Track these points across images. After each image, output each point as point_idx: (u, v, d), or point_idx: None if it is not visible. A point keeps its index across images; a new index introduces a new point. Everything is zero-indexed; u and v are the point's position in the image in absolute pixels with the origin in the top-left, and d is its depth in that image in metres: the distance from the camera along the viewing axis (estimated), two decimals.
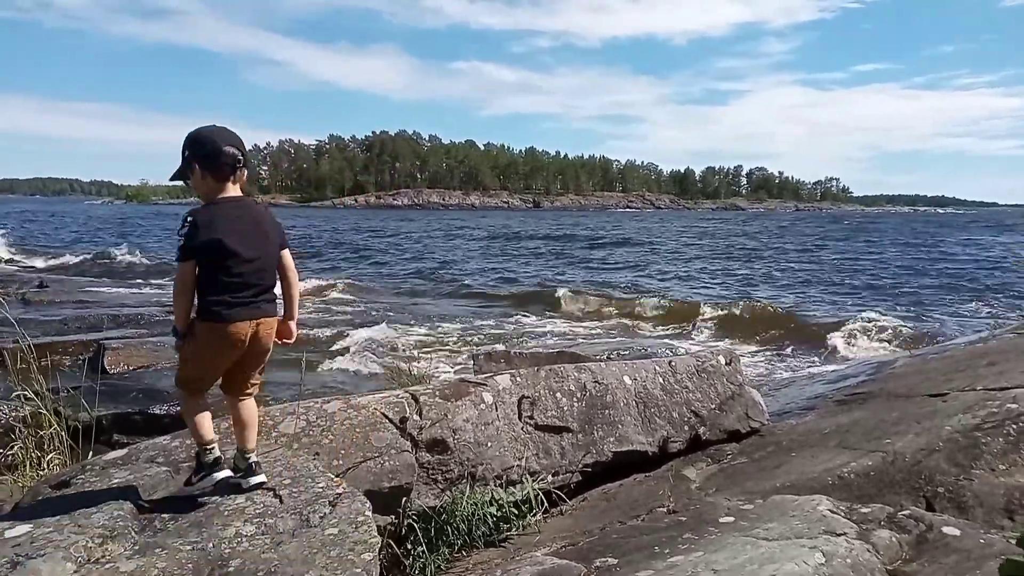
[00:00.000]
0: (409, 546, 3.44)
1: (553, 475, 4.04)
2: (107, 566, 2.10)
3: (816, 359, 11.41)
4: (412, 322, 14.69)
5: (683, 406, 4.79)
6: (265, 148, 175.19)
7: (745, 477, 4.40)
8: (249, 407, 2.78)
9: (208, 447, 2.69)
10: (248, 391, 2.77)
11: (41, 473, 3.99)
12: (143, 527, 2.35)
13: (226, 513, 2.41)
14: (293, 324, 2.83)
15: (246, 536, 2.26)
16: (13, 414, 5.03)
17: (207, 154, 2.62)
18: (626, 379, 4.57)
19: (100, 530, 2.27)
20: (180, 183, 2.80)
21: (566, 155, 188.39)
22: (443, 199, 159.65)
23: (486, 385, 3.97)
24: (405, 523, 3.47)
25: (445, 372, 9.69)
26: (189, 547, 2.20)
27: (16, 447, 4.08)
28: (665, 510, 3.87)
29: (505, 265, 29.09)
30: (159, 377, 9.43)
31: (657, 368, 4.83)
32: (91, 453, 3.98)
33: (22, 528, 2.33)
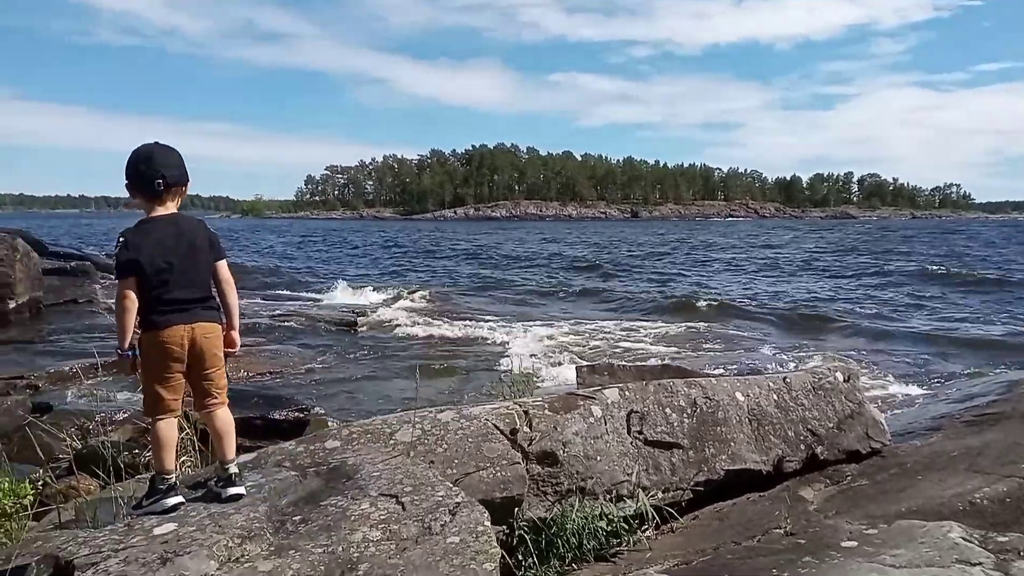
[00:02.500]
0: (520, 557, 3.47)
1: (663, 492, 3.99)
2: (246, 565, 2.23)
3: (940, 376, 10.77)
4: (533, 327, 14.85)
5: (799, 424, 4.63)
6: (371, 164, 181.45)
7: (867, 500, 4.21)
8: (220, 417, 2.86)
9: (166, 475, 2.78)
10: (213, 400, 2.85)
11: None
12: (276, 529, 2.48)
13: (352, 518, 2.51)
14: (235, 333, 2.94)
15: (372, 541, 2.35)
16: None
17: (132, 175, 2.78)
18: (738, 395, 4.46)
19: (239, 531, 2.41)
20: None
21: (665, 164, 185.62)
22: (540, 210, 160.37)
23: (595, 399, 3.97)
24: (516, 534, 3.51)
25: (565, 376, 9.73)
26: (320, 550, 2.31)
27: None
28: (782, 532, 3.76)
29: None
30: (277, 383, 9.91)
31: (771, 384, 4.69)
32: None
33: (169, 526, 2.50)
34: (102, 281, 18.65)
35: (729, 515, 4.14)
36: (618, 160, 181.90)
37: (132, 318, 2.66)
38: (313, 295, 21.40)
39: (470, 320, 16.68)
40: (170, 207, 2.79)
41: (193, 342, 2.72)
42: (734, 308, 18.43)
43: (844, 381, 5.06)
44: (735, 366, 10.52)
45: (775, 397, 4.66)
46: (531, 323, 16.48)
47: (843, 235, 69.55)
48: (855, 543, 3.34)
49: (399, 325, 15.89)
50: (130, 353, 2.71)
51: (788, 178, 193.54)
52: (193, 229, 2.82)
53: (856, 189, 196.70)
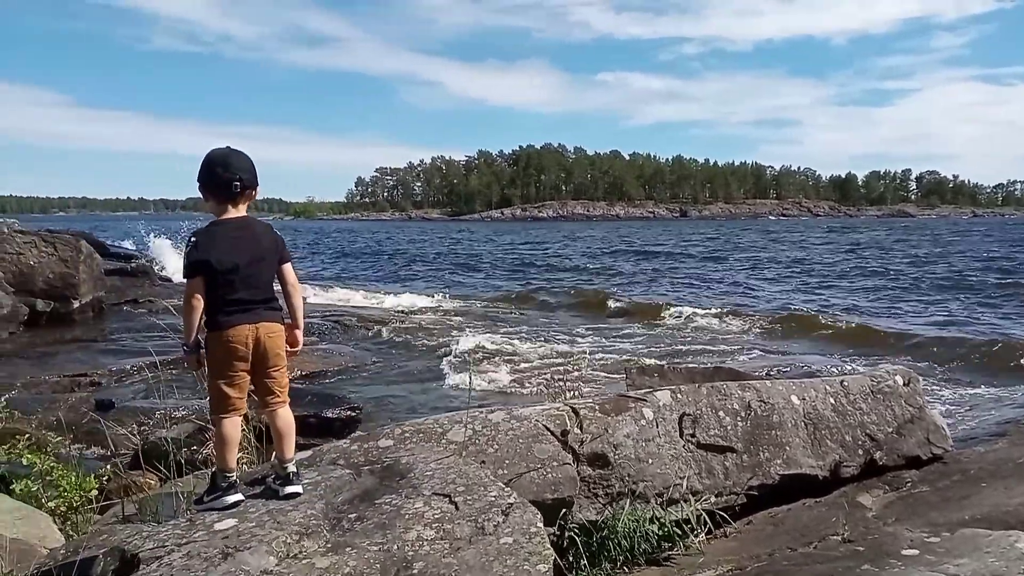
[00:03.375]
0: (571, 558, 3.47)
1: (716, 496, 3.94)
2: (304, 561, 2.28)
3: (1002, 381, 10.39)
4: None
5: (856, 429, 4.53)
6: (419, 165, 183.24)
7: (928, 507, 4.09)
8: (281, 416, 2.91)
9: (227, 473, 2.84)
10: (276, 399, 2.89)
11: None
12: (333, 526, 2.53)
13: (407, 517, 2.54)
14: (299, 333, 3.00)
15: (427, 540, 2.38)
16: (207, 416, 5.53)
17: (208, 178, 2.84)
18: (794, 399, 4.38)
19: (297, 527, 2.46)
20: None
21: (715, 162, 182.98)
22: (587, 210, 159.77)
23: (646, 401, 3.94)
24: (567, 535, 3.51)
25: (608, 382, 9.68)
26: (376, 547, 2.34)
27: (211, 445, 4.49)
28: (840, 538, 3.68)
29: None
30: (329, 382, 10.07)
31: (827, 388, 4.60)
32: (273, 455, 4.32)
33: (229, 522, 2.57)
34: (160, 282, 19.23)
35: (784, 520, 4.07)
36: (667, 159, 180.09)
37: (198, 317, 2.74)
38: (363, 295, 21.67)
39: (515, 326, 16.70)
40: (240, 210, 2.86)
41: (257, 341, 2.78)
42: (773, 310, 18.10)
43: (904, 385, 4.93)
44: (788, 369, 10.32)
45: (832, 401, 4.57)
46: (582, 328, 16.44)
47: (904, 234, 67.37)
48: (916, 551, 3.25)
49: (447, 327, 15.99)
50: (194, 350, 2.78)
51: (843, 176, 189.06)
52: (261, 232, 2.89)
53: (914, 187, 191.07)
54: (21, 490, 4.05)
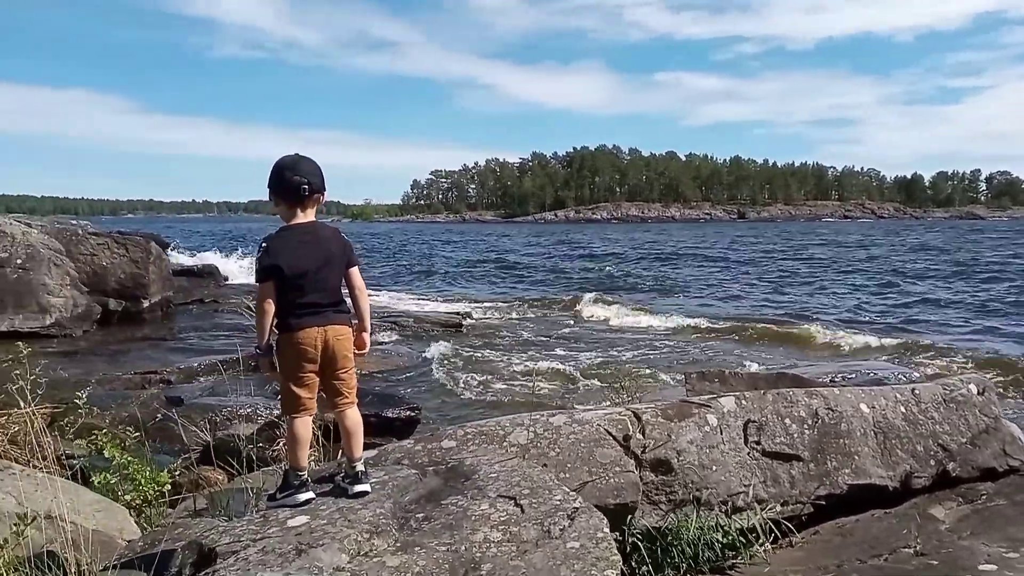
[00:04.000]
0: (634, 564, 3.45)
1: (782, 505, 3.87)
2: (375, 559, 2.33)
3: None
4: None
5: (928, 439, 4.39)
6: (473, 168, 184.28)
7: (1006, 521, 3.95)
8: (350, 416, 2.98)
9: (299, 471, 2.91)
10: (344, 400, 2.97)
11: None
12: (401, 525, 2.57)
13: (473, 518, 2.57)
14: (366, 335, 3.06)
15: (494, 542, 2.40)
16: (276, 412, 5.70)
17: (277, 184, 2.90)
18: (863, 407, 4.27)
19: (367, 526, 2.51)
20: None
21: (774, 163, 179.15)
22: (642, 212, 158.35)
23: (710, 407, 3.89)
24: (629, 541, 3.49)
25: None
26: (444, 548, 2.38)
27: (281, 443, 4.61)
28: (911, 551, 3.58)
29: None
30: (388, 382, 10.22)
31: (898, 396, 4.47)
32: (339, 452, 4.42)
33: (301, 519, 2.64)
34: (225, 282, 19.79)
35: (853, 531, 3.98)
36: (724, 160, 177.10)
37: (270, 320, 2.82)
38: (419, 296, 21.92)
39: (573, 326, 16.66)
40: (309, 214, 2.94)
41: (326, 344, 2.85)
42: (830, 315, 17.66)
43: (978, 394, 4.76)
44: (854, 375, 10.05)
45: (903, 409, 4.44)
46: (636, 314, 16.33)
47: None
48: (994, 567, 3.15)
49: (505, 328, 16.06)
50: (266, 352, 2.86)
51: (909, 176, 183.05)
52: (329, 237, 2.96)
53: (984, 188, 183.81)
54: (100, 483, 4.22)
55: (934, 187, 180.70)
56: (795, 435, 4.00)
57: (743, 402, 3.97)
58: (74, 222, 17.72)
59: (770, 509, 3.83)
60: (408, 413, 7.48)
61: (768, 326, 15.80)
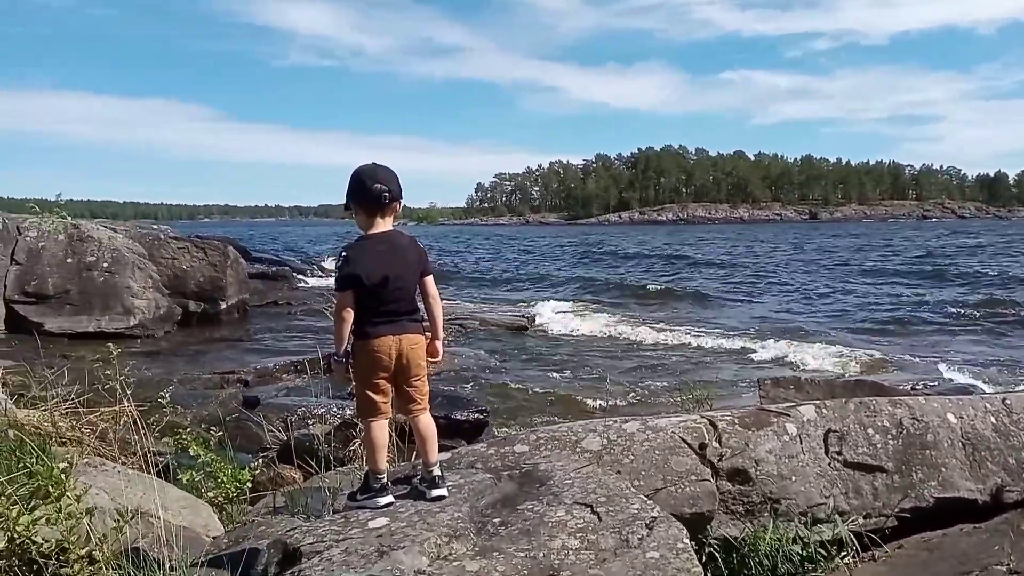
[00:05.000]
0: (710, 575, 3.40)
1: (864, 517, 3.75)
2: (454, 563, 2.35)
3: None
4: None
5: (1021, 451, 4.18)
6: (537, 170, 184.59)
7: None
8: (423, 422, 3.02)
9: (379, 474, 2.95)
10: (417, 406, 3.00)
11: None
12: (479, 530, 2.60)
13: (550, 525, 2.57)
14: (438, 343, 3.08)
15: (572, 549, 2.40)
16: (349, 413, 5.84)
17: (357, 192, 2.92)
18: (950, 417, 4.10)
19: (446, 529, 2.54)
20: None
21: (848, 161, 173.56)
22: (709, 213, 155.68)
23: (789, 415, 3.80)
24: (705, 551, 3.43)
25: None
26: (522, 554, 2.39)
27: (356, 443, 4.71)
28: (1004, 568, 3.41)
29: None
30: (456, 384, 10.32)
31: (987, 406, 4.27)
32: (414, 455, 4.48)
33: (381, 520, 2.69)
34: (299, 285, 20.34)
35: (940, 546, 3.82)
36: (795, 159, 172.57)
37: (348, 328, 2.87)
38: (484, 298, 22.08)
39: (644, 328, 16.50)
40: (388, 222, 2.98)
41: (400, 352, 2.90)
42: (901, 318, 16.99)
43: None
44: (936, 383, 9.68)
45: (992, 420, 4.24)
46: (711, 326, 16.07)
47: None
48: None
49: (571, 332, 16.03)
50: (344, 359, 2.92)
51: (991, 174, 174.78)
52: (406, 245, 3.01)
53: None
54: (187, 480, 4.38)
55: (1019, 185, 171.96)
56: (878, 445, 3.87)
57: (823, 411, 3.87)
58: (155, 226, 18.46)
59: (852, 521, 3.72)
60: (476, 416, 7.53)
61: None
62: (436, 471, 2.98)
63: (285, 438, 6.60)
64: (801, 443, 3.70)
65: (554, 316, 18.20)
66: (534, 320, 17.37)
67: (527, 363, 12.46)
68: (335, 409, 7.74)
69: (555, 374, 11.61)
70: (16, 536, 2.68)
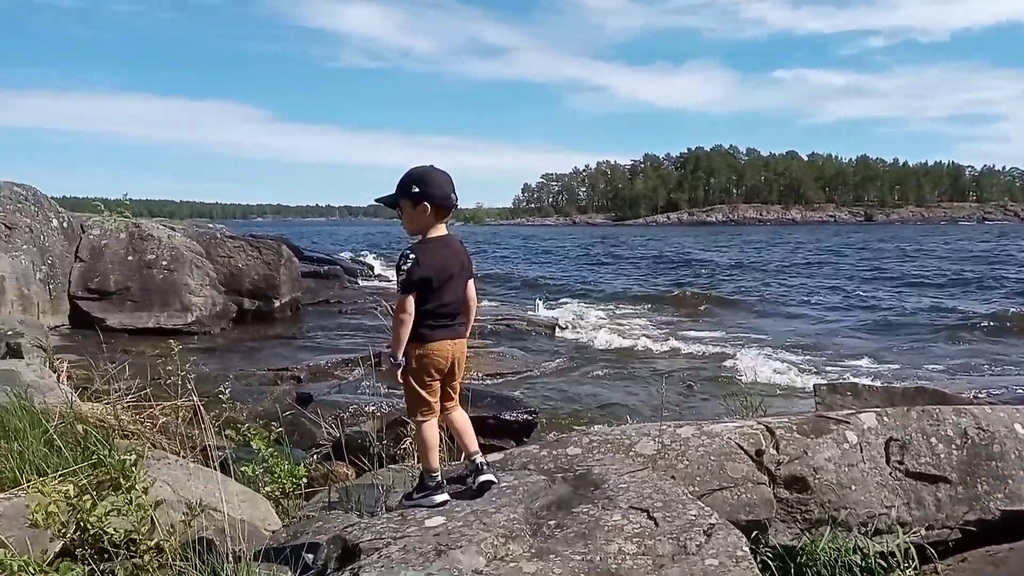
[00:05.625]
0: None
1: (926, 529, 3.65)
2: (511, 564, 2.37)
3: None
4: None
5: None
6: (584, 171, 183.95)
7: None
8: (459, 416, 3.11)
9: (433, 473, 2.98)
10: (452, 403, 3.07)
11: None
12: (534, 532, 2.60)
13: (606, 529, 2.56)
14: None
15: (628, 554, 2.39)
16: (400, 409, 5.87)
17: (438, 195, 2.91)
18: (1017, 427, 3.97)
19: (502, 530, 2.56)
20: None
21: (905, 162, 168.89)
22: (760, 214, 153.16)
23: (848, 423, 3.72)
24: (760, 559, 3.38)
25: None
26: (579, 557, 2.39)
27: (408, 441, 4.77)
28: None
29: None
30: (503, 385, 10.36)
31: None
32: (462, 455, 4.52)
33: (438, 519, 2.72)
34: (349, 284, 20.64)
35: (1006, 561, 3.69)
36: (850, 159, 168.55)
37: (408, 330, 2.89)
38: (527, 301, 22.09)
39: (690, 334, 16.33)
40: (444, 227, 3.01)
41: (454, 356, 2.96)
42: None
43: None
44: (1001, 392, 9.35)
45: None
46: (752, 334, 15.84)
47: None
48: None
49: (617, 333, 15.94)
50: (402, 362, 2.94)
51: None
52: (460, 249, 3.05)
53: None
54: (249, 474, 4.49)
55: None
56: (942, 455, 3.76)
57: (885, 419, 3.78)
58: (210, 225, 18.95)
59: (913, 533, 3.62)
60: (525, 416, 7.55)
61: None
62: (479, 458, 3.05)
63: (337, 435, 6.72)
64: (861, 451, 3.62)
65: (600, 319, 18.12)
66: (577, 323, 17.32)
67: (573, 366, 12.43)
68: (385, 406, 7.85)
69: (602, 377, 11.57)
70: (89, 526, 2.79)
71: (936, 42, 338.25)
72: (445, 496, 2.92)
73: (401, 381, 2.98)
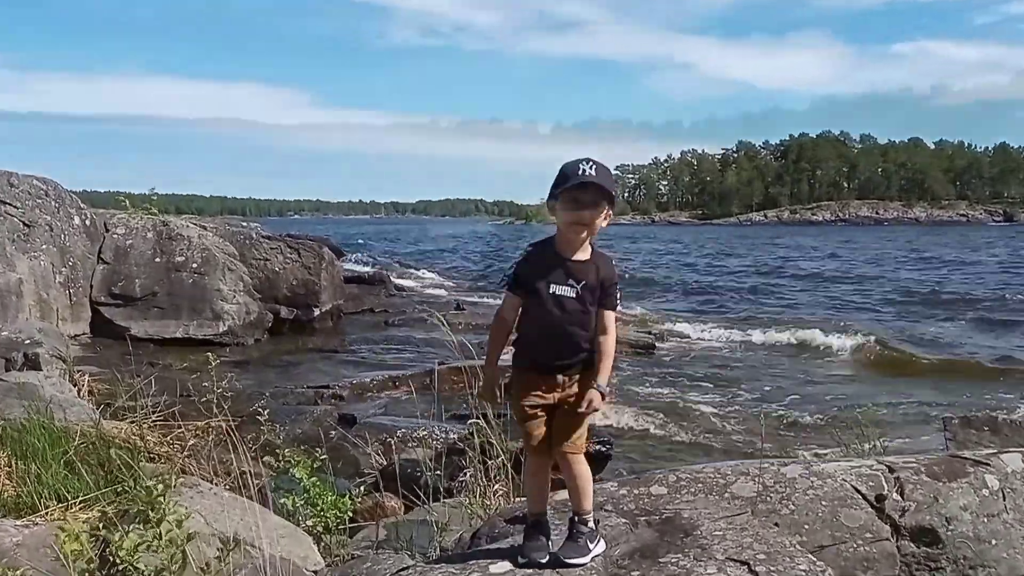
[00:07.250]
0: None
1: None
2: None
3: None
4: None
5: None
6: (666, 161, 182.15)
7: None
8: (571, 465, 2.76)
9: (540, 515, 2.83)
10: (567, 447, 2.74)
11: (486, 503, 4.64)
12: None
13: None
14: None
15: None
16: (465, 438, 5.91)
17: (611, 195, 2.79)
18: None
19: None
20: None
21: None
22: (876, 212, 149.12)
23: (989, 465, 3.61)
24: None
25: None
26: None
27: (468, 473, 4.82)
28: None
29: None
30: None
31: None
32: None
33: (503, 565, 2.74)
34: (396, 291, 20.97)
35: None
36: (987, 148, 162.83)
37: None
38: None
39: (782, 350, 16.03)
40: None
41: None
42: None
43: None
44: None
45: None
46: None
47: None
48: None
49: (705, 353, 15.79)
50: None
51: None
52: None
53: None
54: (290, 506, 4.59)
55: None
56: None
57: None
58: (244, 224, 19.36)
59: None
60: (598, 447, 7.50)
61: None
62: (588, 524, 2.84)
63: (384, 462, 6.82)
64: (1004, 499, 3.52)
65: (689, 335, 17.97)
66: (663, 338, 17.20)
67: (652, 388, 12.35)
68: (438, 432, 7.89)
69: (683, 401, 11.46)
70: (119, 560, 2.91)
71: None
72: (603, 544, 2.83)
73: (599, 408, 2.78)
